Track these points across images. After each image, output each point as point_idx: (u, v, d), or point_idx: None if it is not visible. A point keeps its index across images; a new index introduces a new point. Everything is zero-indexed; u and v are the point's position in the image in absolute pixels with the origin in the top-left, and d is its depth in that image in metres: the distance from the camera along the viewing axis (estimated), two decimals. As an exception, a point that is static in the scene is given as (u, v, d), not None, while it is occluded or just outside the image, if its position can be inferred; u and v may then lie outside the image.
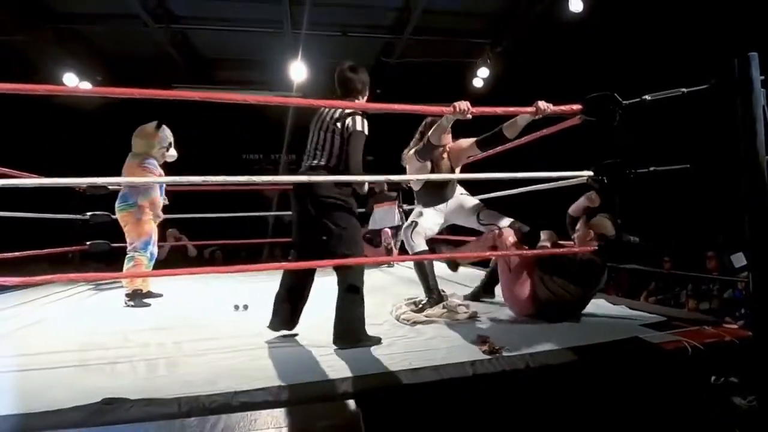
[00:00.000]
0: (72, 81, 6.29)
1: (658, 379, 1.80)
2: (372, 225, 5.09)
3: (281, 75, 6.63)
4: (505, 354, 1.80)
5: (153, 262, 3.56)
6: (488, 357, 1.77)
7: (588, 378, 1.76)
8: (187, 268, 3.75)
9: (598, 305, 2.68)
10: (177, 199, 4.17)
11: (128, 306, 3.24)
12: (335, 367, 1.76)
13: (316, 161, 2.20)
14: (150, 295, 3.45)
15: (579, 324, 2.29)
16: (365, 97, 2.35)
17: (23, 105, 5.87)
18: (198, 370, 1.77)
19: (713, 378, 1.86)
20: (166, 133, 3.58)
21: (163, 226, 5.12)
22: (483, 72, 7.19)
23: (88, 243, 4.32)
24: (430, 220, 2.84)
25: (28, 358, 2.01)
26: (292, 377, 1.64)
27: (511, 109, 2.30)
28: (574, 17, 5.48)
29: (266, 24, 6.14)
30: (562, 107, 2.31)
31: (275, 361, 1.87)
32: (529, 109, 2.27)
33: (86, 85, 6.35)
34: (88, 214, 4.30)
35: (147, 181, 3.36)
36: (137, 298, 3.27)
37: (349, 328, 2.03)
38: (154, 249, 3.53)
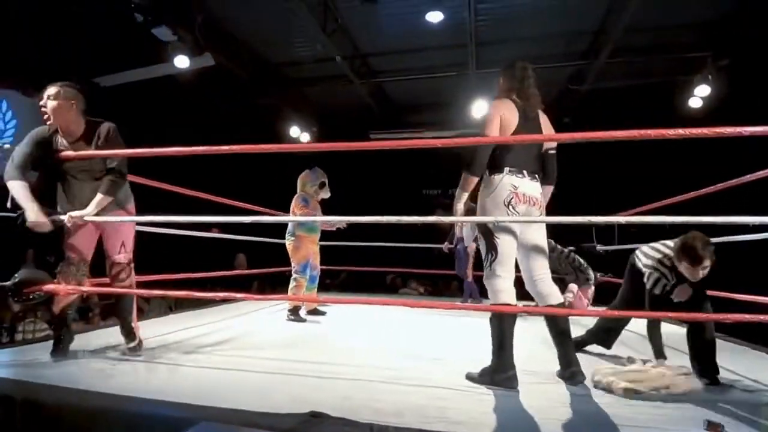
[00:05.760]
0: (295, 132, 7.77)
1: None
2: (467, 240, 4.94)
3: (465, 114, 6.87)
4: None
5: (315, 284, 4.17)
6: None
7: None
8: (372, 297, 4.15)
9: None
10: (358, 228, 4.43)
11: (289, 320, 3.83)
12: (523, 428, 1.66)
13: None
14: (317, 312, 4.15)
15: None
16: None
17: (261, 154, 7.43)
18: (387, 399, 1.87)
19: None
20: (317, 174, 4.09)
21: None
22: (702, 90, 6.08)
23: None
24: None
25: (246, 360, 2.46)
26: (472, 425, 1.60)
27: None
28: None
29: (452, 68, 6.49)
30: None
31: (456, 404, 1.85)
32: None
33: (305, 136, 7.91)
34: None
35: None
36: (295, 314, 3.88)
37: None
38: (314, 272, 4.11)
